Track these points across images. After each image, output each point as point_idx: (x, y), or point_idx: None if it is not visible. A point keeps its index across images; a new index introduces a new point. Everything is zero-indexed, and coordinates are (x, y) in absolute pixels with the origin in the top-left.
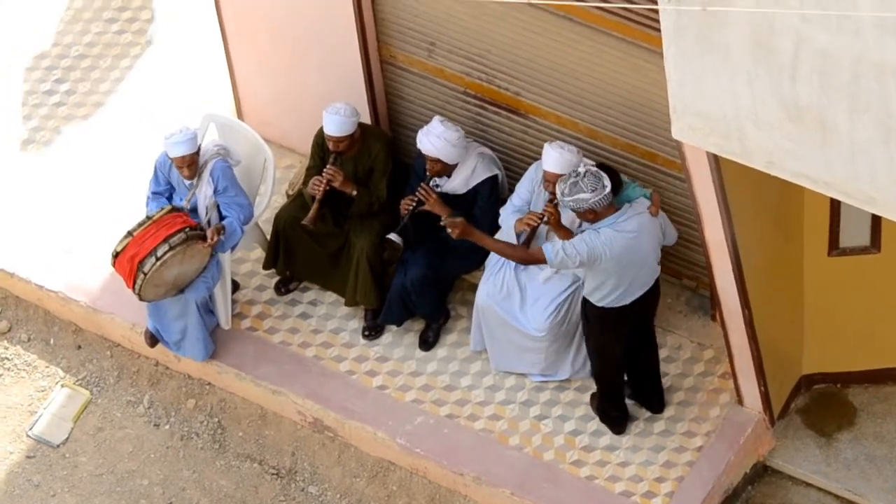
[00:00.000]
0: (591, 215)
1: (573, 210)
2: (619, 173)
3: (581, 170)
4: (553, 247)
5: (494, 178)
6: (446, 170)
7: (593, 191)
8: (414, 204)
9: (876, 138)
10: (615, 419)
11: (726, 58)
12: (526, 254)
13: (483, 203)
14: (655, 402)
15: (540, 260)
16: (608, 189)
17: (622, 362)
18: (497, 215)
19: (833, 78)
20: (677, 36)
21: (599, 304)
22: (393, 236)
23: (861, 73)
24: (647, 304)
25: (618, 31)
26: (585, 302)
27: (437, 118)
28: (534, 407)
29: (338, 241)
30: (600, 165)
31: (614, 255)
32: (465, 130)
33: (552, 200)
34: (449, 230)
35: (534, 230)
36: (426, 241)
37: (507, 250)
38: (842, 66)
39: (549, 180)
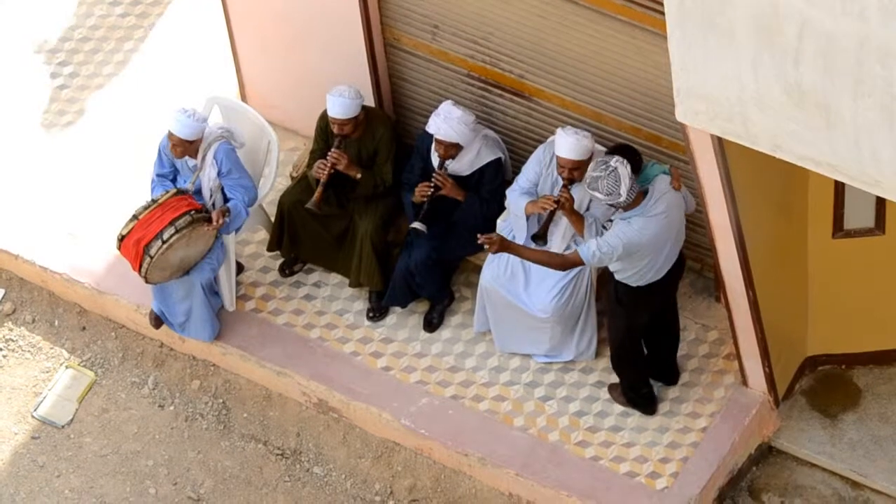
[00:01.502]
0: (613, 208)
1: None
2: (639, 155)
3: (612, 165)
4: (588, 248)
5: (498, 160)
6: (457, 152)
7: (608, 194)
8: (431, 190)
9: (880, 121)
10: (648, 397)
11: (730, 41)
12: (563, 260)
13: (488, 185)
14: (672, 373)
15: (578, 263)
16: (623, 197)
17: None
18: (501, 197)
19: (837, 61)
20: (681, 19)
21: (636, 285)
22: (418, 225)
23: (865, 57)
24: (677, 274)
25: (622, 14)
26: (616, 285)
27: (448, 102)
28: (538, 388)
29: (342, 224)
30: (622, 147)
31: (650, 239)
32: None
33: (566, 185)
34: (486, 247)
35: (551, 214)
36: (430, 223)
37: (545, 259)
38: (846, 49)
39: (563, 166)
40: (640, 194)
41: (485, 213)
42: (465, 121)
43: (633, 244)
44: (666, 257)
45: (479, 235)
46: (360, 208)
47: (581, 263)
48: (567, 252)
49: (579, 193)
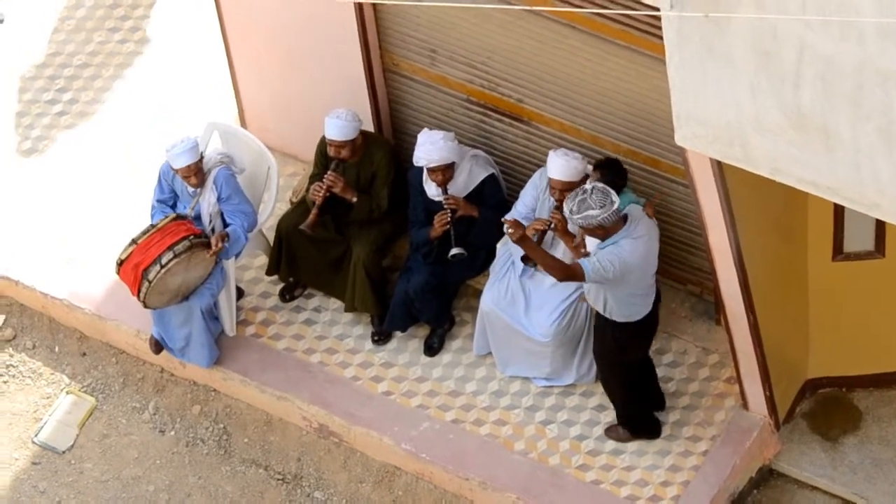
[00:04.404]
0: (601, 231)
1: (582, 227)
2: (625, 169)
3: (588, 186)
4: (589, 260)
5: (492, 175)
6: (453, 173)
7: (601, 207)
8: (450, 216)
9: (879, 145)
10: (654, 424)
11: (729, 65)
12: (567, 268)
13: (491, 200)
14: (659, 398)
15: (578, 274)
16: (616, 205)
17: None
18: (507, 210)
19: (836, 85)
20: (680, 44)
21: (633, 321)
22: (456, 250)
23: (864, 81)
24: (658, 303)
25: (621, 38)
26: (615, 329)
27: (424, 131)
28: (539, 412)
29: (339, 248)
30: (607, 161)
31: (640, 261)
32: (468, 138)
33: (558, 207)
34: (509, 231)
35: (542, 236)
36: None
37: (551, 263)
38: (845, 73)
39: (555, 187)
40: (619, 219)
41: (499, 226)
42: (448, 137)
43: (627, 264)
44: (651, 286)
45: (502, 220)
46: (355, 233)
47: (581, 276)
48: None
49: None
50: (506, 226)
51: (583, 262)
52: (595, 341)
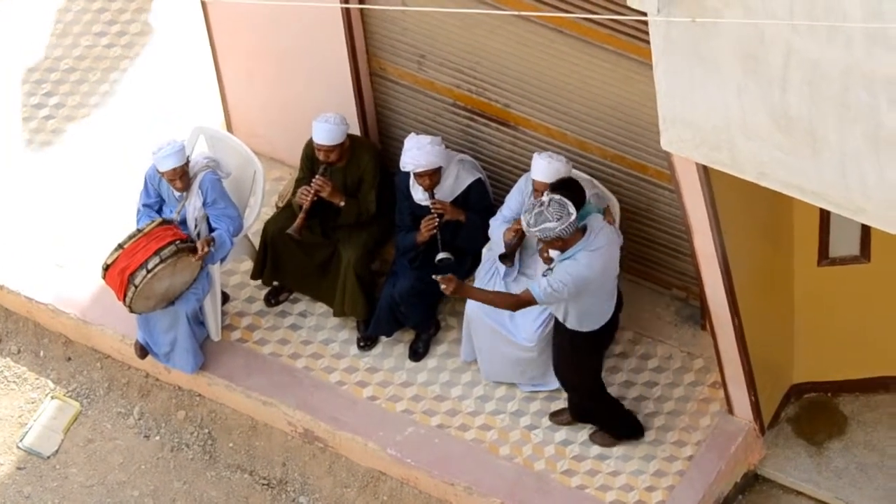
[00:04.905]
0: (560, 243)
1: (540, 240)
2: (583, 188)
3: (545, 199)
4: (539, 285)
5: (479, 180)
6: (440, 177)
7: (559, 219)
8: (437, 221)
9: (866, 149)
10: (635, 422)
11: (716, 69)
12: (516, 299)
13: (477, 206)
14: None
15: (530, 301)
16: (573, 216)
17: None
18: (491, 217)
19: (823, 89)
20: (667, 48)
21: (593, 329)
22: (443, 255)
23: (851, 84)
24: (619, 306)
25: (608, 42)
26: (572, 338)
27: (412, 136)
28: (524, 417)
29: (326, 252)
30: (561, 182)
31: (599, 274)
32: (454, 142)
33: None
34: (443, 287)
35: (521, 238)
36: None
37: (497, 300)
38: (832, 77)
39: (539, 190)
40: (578, 231)
41: (485, 230)
42: (436, 142)
43: (582, 279)
44: (611, 293)
45: (433, 276)
46: (343, 237)
47: (533, 302)
48: (520, 292)
49: None
50: (440, 281)
51: (532, 287)
52: (553, 349)
